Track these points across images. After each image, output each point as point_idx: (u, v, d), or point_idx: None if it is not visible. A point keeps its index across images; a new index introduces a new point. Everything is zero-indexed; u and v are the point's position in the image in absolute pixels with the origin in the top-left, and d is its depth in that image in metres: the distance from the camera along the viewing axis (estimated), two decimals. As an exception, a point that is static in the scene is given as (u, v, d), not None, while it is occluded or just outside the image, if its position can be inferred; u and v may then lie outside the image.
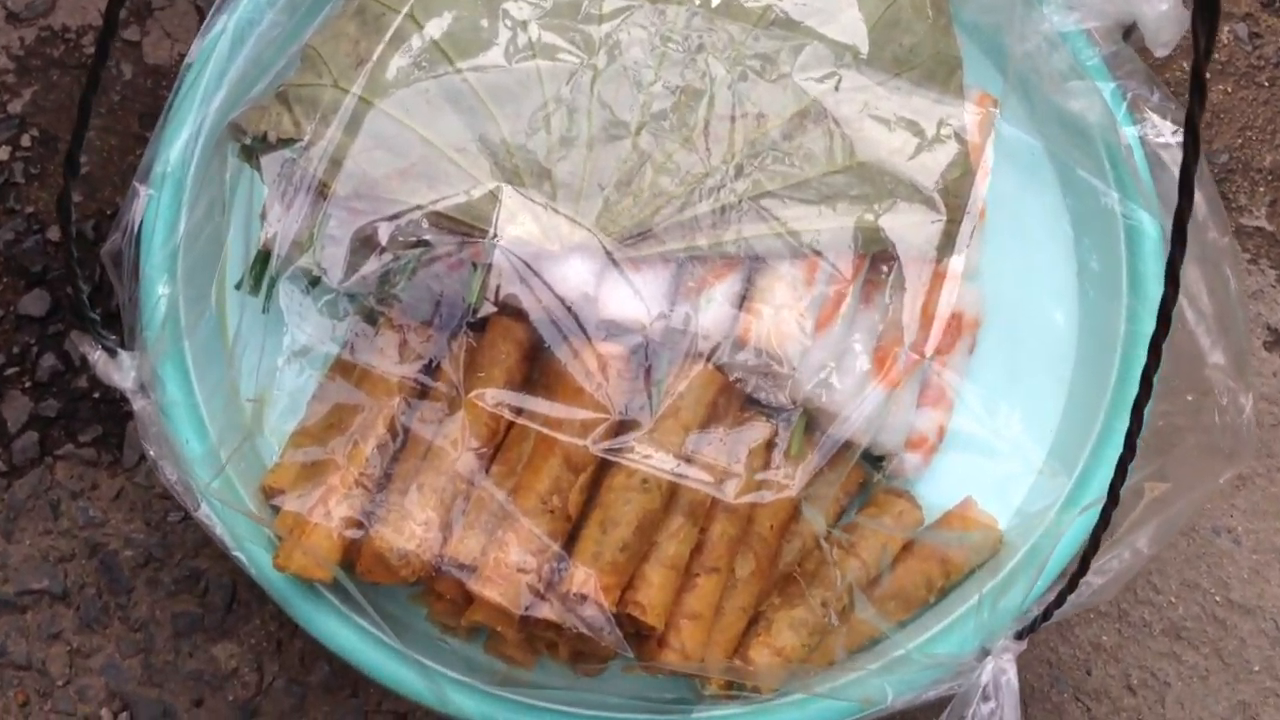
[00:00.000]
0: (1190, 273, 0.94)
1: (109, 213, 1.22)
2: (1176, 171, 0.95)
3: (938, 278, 0.90)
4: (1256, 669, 1.14)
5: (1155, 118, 0.98)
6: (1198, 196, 0.92)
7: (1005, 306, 1.00)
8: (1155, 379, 0.65)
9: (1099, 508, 0.74)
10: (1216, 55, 1.33)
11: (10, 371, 1.18)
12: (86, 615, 1.11)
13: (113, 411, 1.17)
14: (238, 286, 0.97)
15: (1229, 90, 1.32)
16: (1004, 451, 0.97)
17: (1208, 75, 1.32)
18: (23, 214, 1.22)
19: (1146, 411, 0.66)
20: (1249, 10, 1.35)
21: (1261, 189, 1.30)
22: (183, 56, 1.20)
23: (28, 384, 1.18)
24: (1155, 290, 0.95)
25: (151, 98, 1.27)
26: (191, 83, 0.96)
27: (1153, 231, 0.97)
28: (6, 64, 1.28)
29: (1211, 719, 1.13)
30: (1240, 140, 1.31)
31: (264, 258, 0.94)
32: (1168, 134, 0.97)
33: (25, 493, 1.14)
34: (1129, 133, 0.97)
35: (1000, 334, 0.99)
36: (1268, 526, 1.18)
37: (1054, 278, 1.03)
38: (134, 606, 1.11)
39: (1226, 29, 1.33)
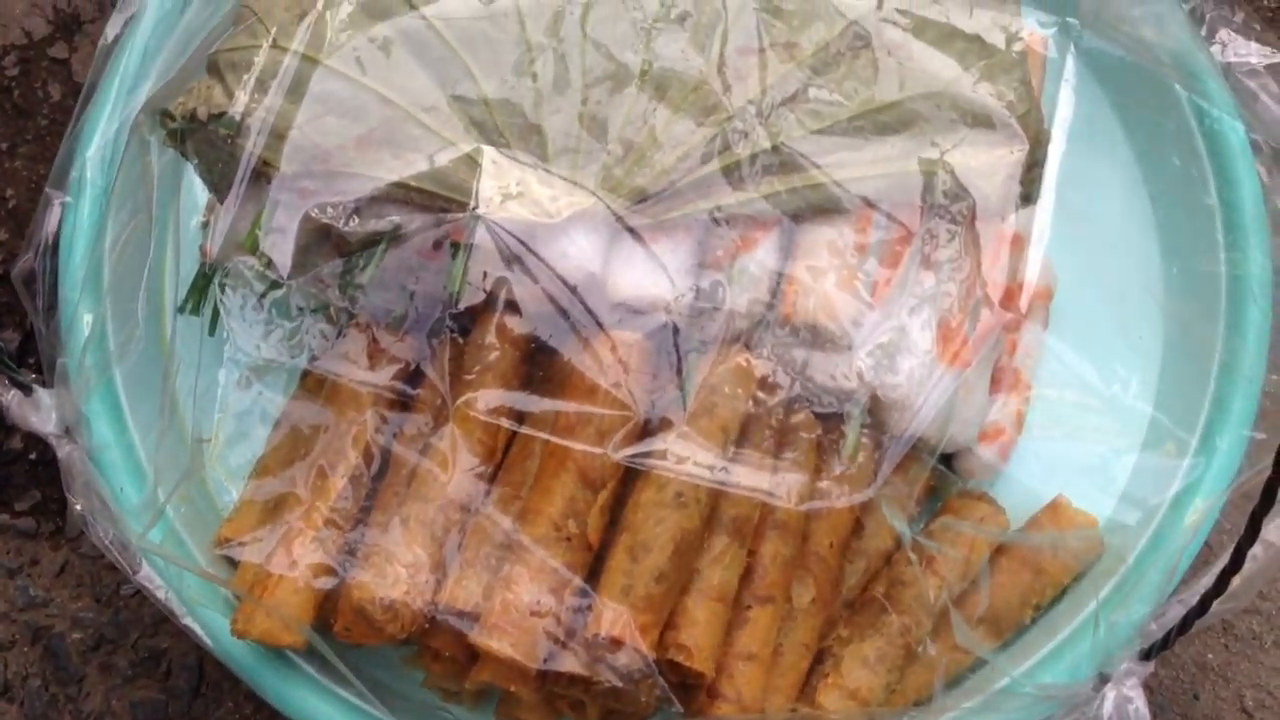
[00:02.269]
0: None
1: (38, 251, 1.12)
2: (1269, 101, 0.86)
3: (1015, 243, 0.77)
4: (1385, 680, 1.06)
5: (1239, 40, 0.87)
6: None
7: (1078, 266, 0.90)
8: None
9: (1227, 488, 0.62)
10: (1267, 2, 1.23)
11: (-68, 435, 1.10)
12: (32, 711, 1.02)
13: (51, 474, 1.08)
14: (180, 310, 0.85)
15: (1285, 38, 1.22)
16: (1098, 426, 0.87)
17: (1269, 15, 1.22)
18: (-59, 254, 1.13)
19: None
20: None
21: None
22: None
23: (-49, 449, 1.10)
24: (1257, 220, 0.87)
25: (82, 120, 1.18)
26: (111, 67, 0.86)
27: (1246, 152, 0.87)
28: (-81, 90, 1.20)
29: (1341, 740, 1.04)
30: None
31: (210, 272, 0.83)
32: (1254, 58, 0.87)
33: None
34: (1212, 54, 0.85)
35: (1076, 297, 0.90)
36: (1383, 516, 1.08)
37: (1130, 227, 0.94)
38: (86, 698, 1.03)
39: (1280, -34, 1.24)
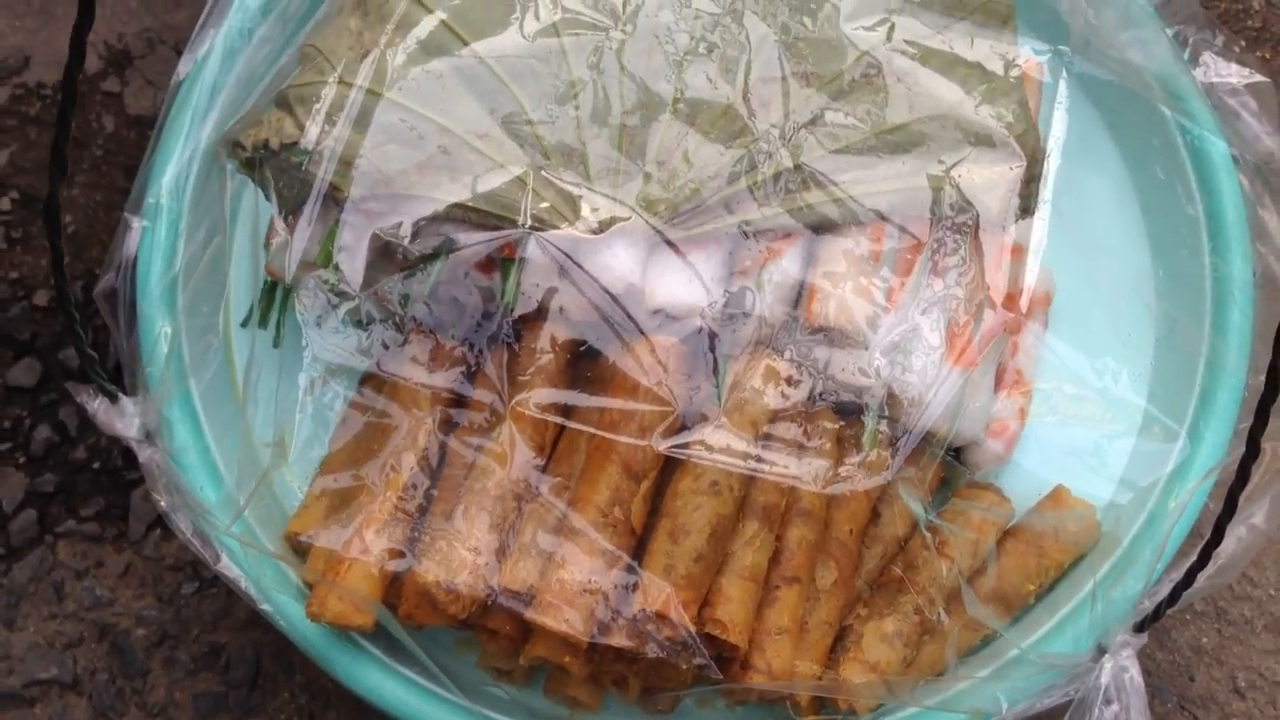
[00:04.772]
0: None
1: (98, 272, 1.16)
2: (1248, 118, 0.91)
3: (1016, 252, 0.83)
4: (1371, 659, 1.08)
5: (1220, 62, 0.92)
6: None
7: (1075, 272, 0.95)
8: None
9: (1219, 470, 0.67)
10: (1250, 22, 1.29)
11: (3, 447, 1.12)
12: (100, 703, 1.05)
13: (114, 482, 1.12)
14: (244, 323, 0.90)
15: (1268, 56, 1.27)
16: (1096, 418, 0.91)
17: (1243, 44, 1.28)
18: (6, 280, 1.17)
19: None
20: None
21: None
22: (167, 105, 1.16)
23: (22, 459, 1.12)
24: (1238, 228, 0.92)
25: (136, 149, 1.23)
26: (181, 103, 0.91)
27: (1228, 167, 0.92)
28: (-19, 125, 1.22)
29: (1330, 716, 1.06)
30: (1286, 104, 1.26)
31: (272, 288, 0.88)
32: (1235, 78, 0.91)
33: (26, 575, 1.08)
34: (1196, 76, 0.90)
35: (1074, 301, 0.94)
36: (1365, 505, 1.12)
37: (1122, 236, 0.98)
38: (151, 690, 1.05)
39: (1259, -8, 1.29)
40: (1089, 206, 0.97)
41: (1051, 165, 0.85)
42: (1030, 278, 0.83)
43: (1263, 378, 0.83)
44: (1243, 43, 1.25)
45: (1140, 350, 0.94)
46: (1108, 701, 0.78)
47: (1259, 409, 0.63)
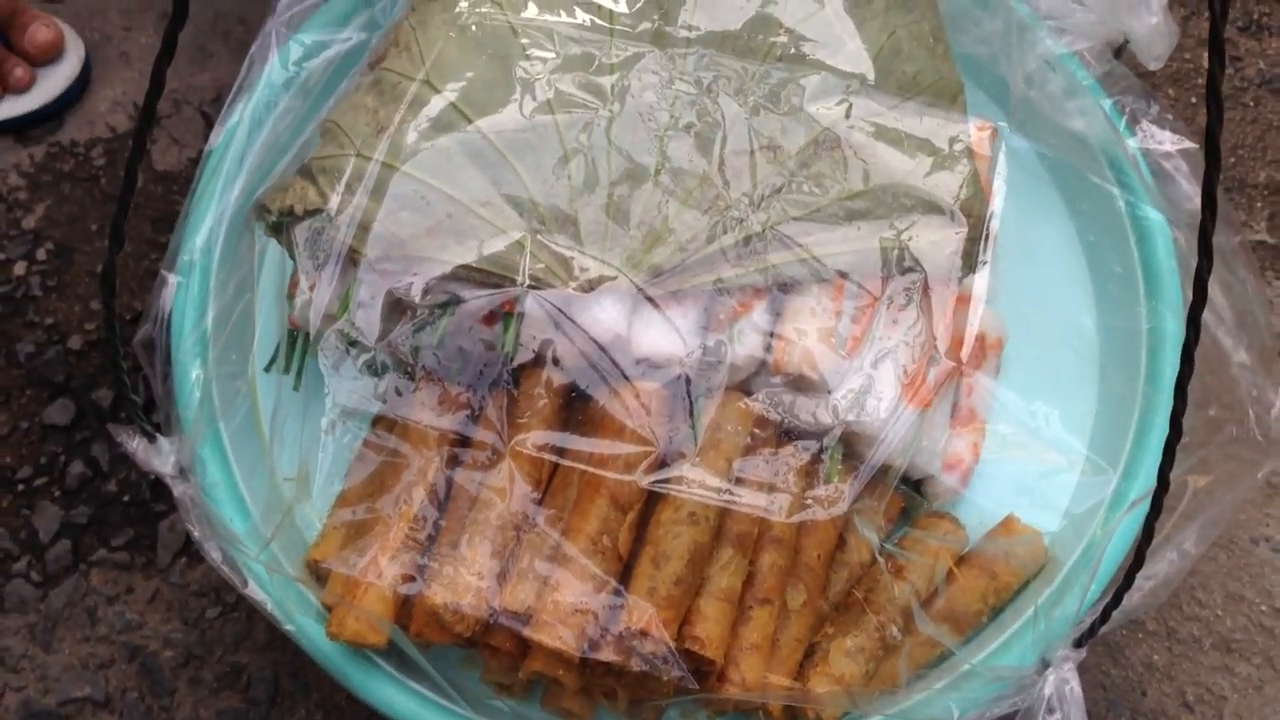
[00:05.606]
0: (1205, 276, 0.97)
1: (128, 318, 1.24)
2: (1181, 180, 1.00)
3: (961, 299, 0.91)
4: (1310, 675, 1.14)
5: (1155, 129, 1.00)
6: (1206, 201, 0.95)
7: (1026, 322, 1.02)
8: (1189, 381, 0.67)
9: (1148, 502, 0.74)
10: (1199, 80, 1.37)
11: (39, 482, 1.19)
12: None
13: (143, 514, 1.18)
14: (266, 369, 0.98)
15: (1215, 114, 1.35)
16: (1043, 457, 0.98)
17: (1193, 100, 1.36)
18: (42, 325, 1.24)
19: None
20: (1226, 35, 1.38)
21: (1259, 204, 1.33)
22: (192, 161, 1.25)
23: (57, 493, 1.18)
24: (1172, 288, 0.99)
25: (163, 203, 1.30)
26: (213, 170, 0.98)
27: (1163, 231, 1.00)
28: (18, 181, 1.30)
29: (1272, 729, 1.12)
30: (1233, 159, 1.34)
31: (294, 337, 0.96)
32: (1169, 144, 0.99)
33: (61, 601, 1.14)
34: (1131, 144, 0.99)
35: (1025, 348, 1.01)
36: (1305, 532, 1.18)
37: (1070, 290, 1.06)
38: (178, 707, 1.10)
39: (1206, 54, 1.36)
40: (1040, 261, 1.05)
41: (993, 228, 0.92)
42: (974, 325, 0.91)
43: (1193, 421, 0.92)
44: (1193, 99, 1.34)
45: (1082, 396, 1.01)
46: (1050, 711, 0.84)
47: (1165, 450, 0.71)
